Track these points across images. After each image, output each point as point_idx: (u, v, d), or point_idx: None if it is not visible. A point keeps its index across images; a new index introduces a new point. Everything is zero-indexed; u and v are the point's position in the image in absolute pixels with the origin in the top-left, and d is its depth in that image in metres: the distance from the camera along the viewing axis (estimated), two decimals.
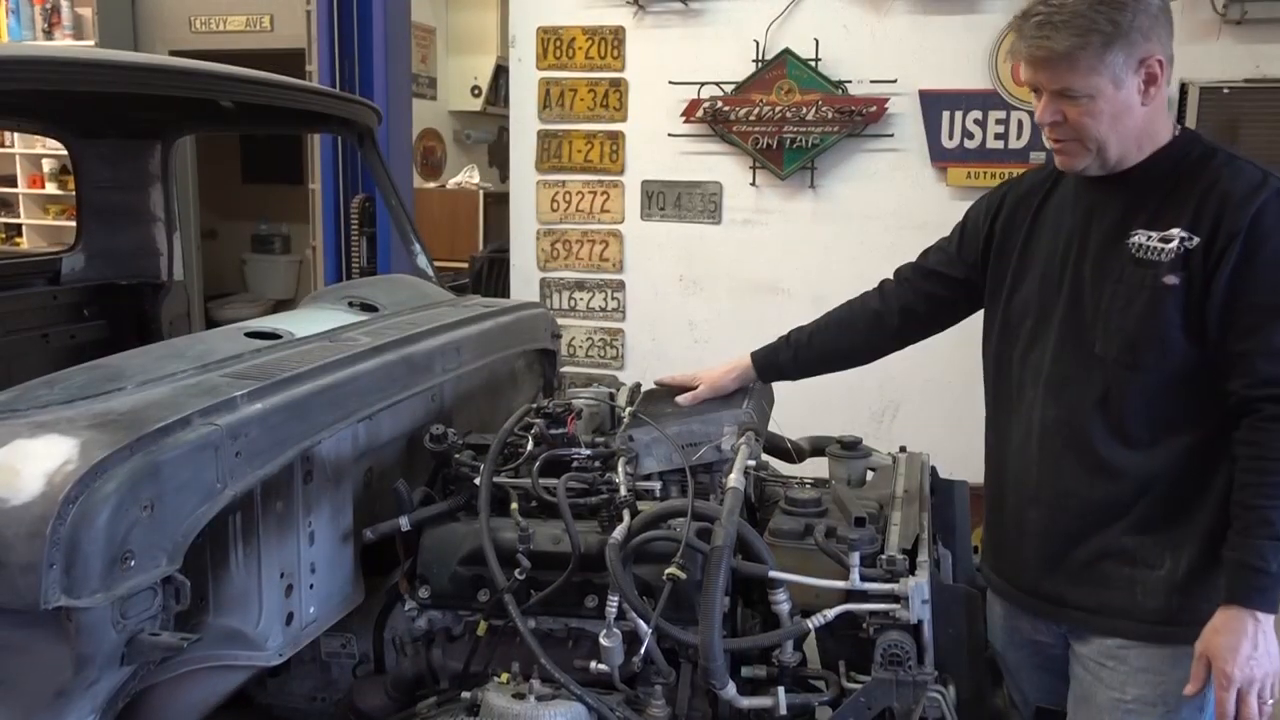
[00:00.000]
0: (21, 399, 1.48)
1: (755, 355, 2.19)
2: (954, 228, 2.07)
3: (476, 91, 7.21)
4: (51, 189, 7.17)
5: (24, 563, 1.26)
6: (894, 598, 1.71)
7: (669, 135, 4.24)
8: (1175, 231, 1.65)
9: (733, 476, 1.80)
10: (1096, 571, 1.76)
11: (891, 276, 2.16)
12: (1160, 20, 1.64)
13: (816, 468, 2.34)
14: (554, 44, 4.34)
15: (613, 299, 4.45)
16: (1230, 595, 1.61)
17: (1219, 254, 1.61)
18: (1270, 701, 1.62)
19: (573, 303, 4.49)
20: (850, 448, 2.23)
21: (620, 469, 1.97)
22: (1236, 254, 1.60)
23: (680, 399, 2.14)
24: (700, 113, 4.14)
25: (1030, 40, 1.64)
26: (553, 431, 2.10)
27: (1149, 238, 1.67)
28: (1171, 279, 1.64)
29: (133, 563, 1.35)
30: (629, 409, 2.22)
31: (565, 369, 4.27)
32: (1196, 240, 1.63)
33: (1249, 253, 1.60)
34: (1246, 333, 1.61)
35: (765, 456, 2.29)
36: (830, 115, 4.00)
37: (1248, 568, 1.59)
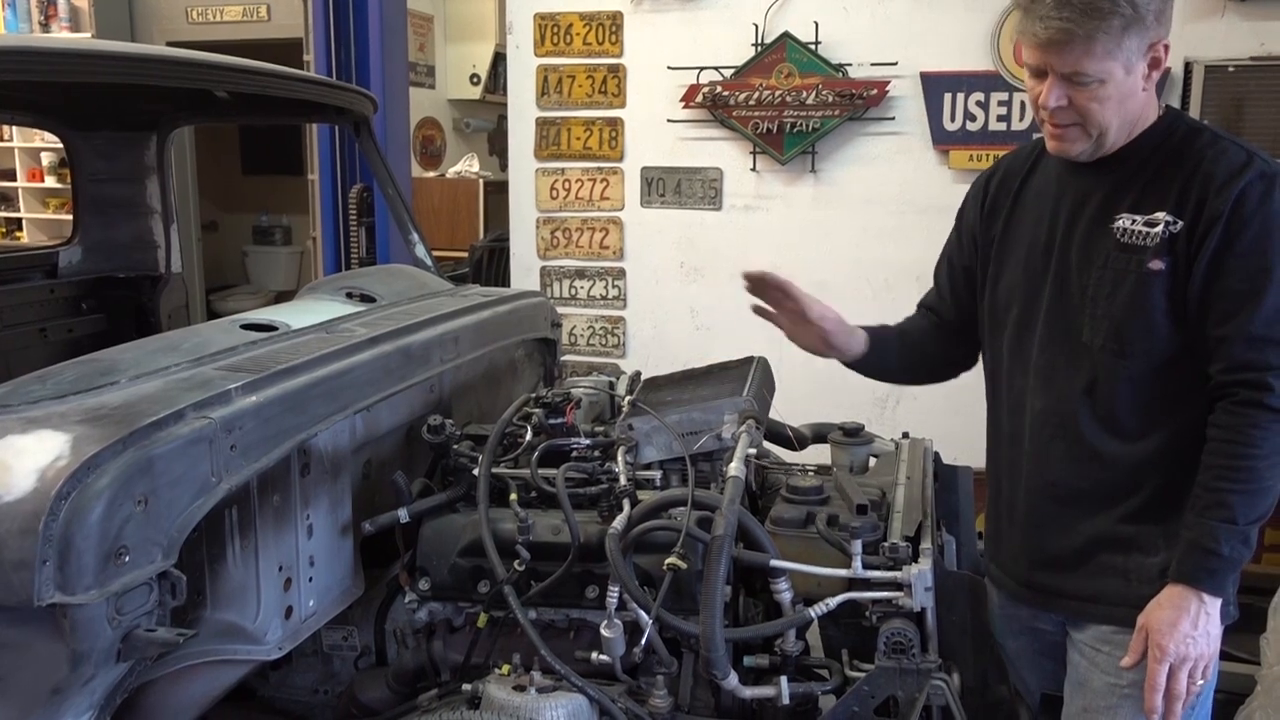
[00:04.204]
0: (13, 394, 1.47)
1: (871, 337, 1.98)
2: (949, 238, 2.02)
3: (475, 79, 7.17)
4: (51, 183, 7.16)
5: (17, 560, 1.25)
6: (897, 585, 1.70)
7: (668, 121, 4.21)
8: (1160, 215, 1.63)
9: (733, 465, 1.78)
10: (1091, 560, 1.75)
11: (925, 310, 2.06)
12: (1169, 2, 1.60)
13: (819, 455, 2.32)
14: (551, 30, 4.31)
15: (613, 287, 4.43)
16: (1179, 573, 1.62)
17: (1201, 237, 1.59)
18: (1200, 682, 1.63)
19: (573, 291, 4.47)
20: (852, 434, 2.21)
21: (620, 458, 1.96)
22: (1217, 237, 1.58)
23: (813, 315, 1.94)
24: (699, 98, 4.11)
25: (1046, 20, 1.56)
26: (551, 421, 2.09)
27: (1134, 221, 1.65)
28: (1157, 264, 1.62)
29: (127, 558, 1.34)
30: (629, 398, 2.21)
31: (566, 358, 4.26)
32: (1180, 224, 1.61)
33: (1229, 237, 1.58)
34: (1224, 317, 1.59)
35: (767, 444, 2.28)
36: (831, 99, 3.96)
37: (1200, 548, 1.59)
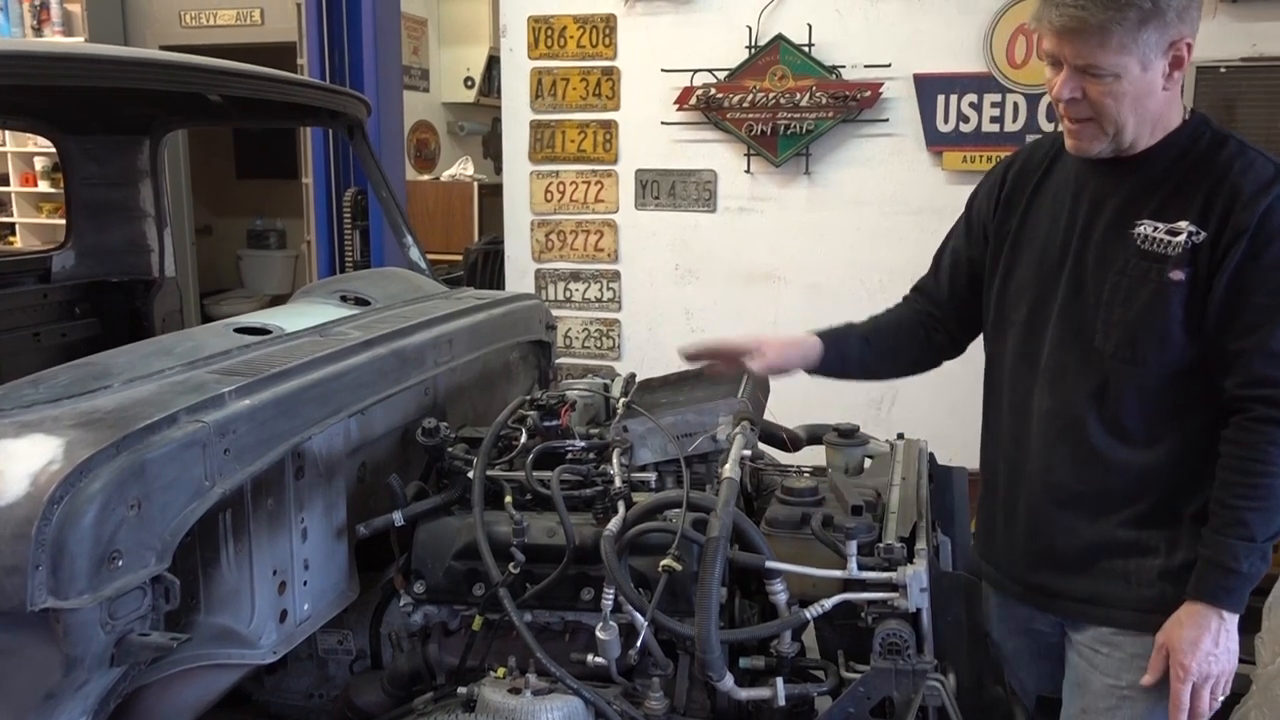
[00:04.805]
0: (6, 398, 1.46)
1: (824, 339, 1.96)
2: (956, 224, 1.99)
3: (469, 83, 7.17)
4: (44, 187, 7.13)
5: (9, 564, 1.24)
6: (892, 586, 1.70)
7: (662, 123, 4.22)
8: (1183, 225, 1.60)
9: (728, 467, 1.78)
10: (1091, 564, 1.75)
11: (914, 295, 2.05)
12: (1195, 1, 1.58)
13: (814, 456, 2.32)
14: (545, 33, 4.31)
15: (608, 289, 4.43)
16: (1197, 591, 1.61)
17: (1224, 250, 1.58)
18: (1221, 698, 1.64)
19: (568, 294, 4.47)
20: (847, 435, 2.21)
21: (615, 460, 1.95)
22: (1241, 251, 1.56)
23: (754, 365, 1.92)
24: (693, 100, 4.12)
25: (1061, 7, 1.55)
26: (546, 424, 2.09)
27: (1155, 229, 1.63)
28: (1178, 274, 1.60)
29: (120, 562, 1.33)
30: (623, 400, 2.20)
31: (561, 360, 4.26)
32: (1204, 235, 1.59)
33: (1254, 251, 1.56)
34: (1245, 332, 1.58)
35: (762, 446, 2.28)
36: (824, 101, 3.97)
37: (1219, 566, 1.59)
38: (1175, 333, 1.63)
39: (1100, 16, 1.52)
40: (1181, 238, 1.60)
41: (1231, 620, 1.61)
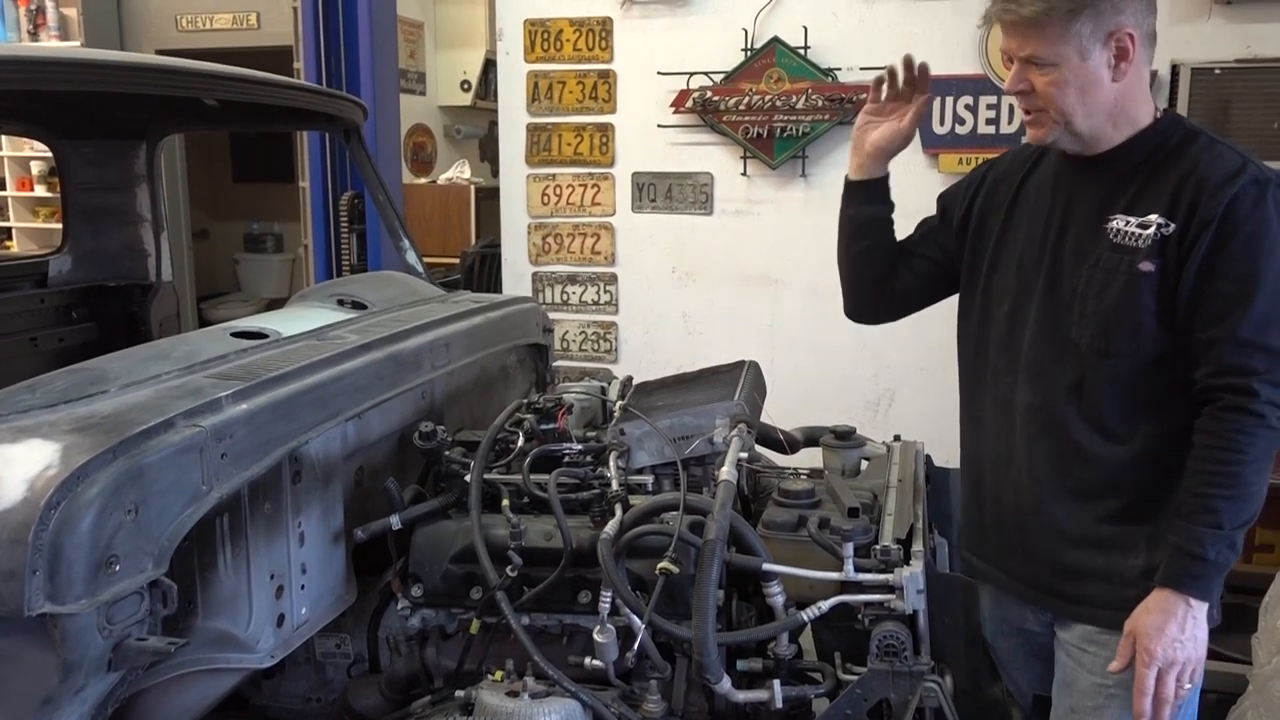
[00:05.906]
0: (3, 404, 1.46)
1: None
2: (936, 209, 2.07)
3: (466, 86, 7.18)
4: (41, 191, 7.14)
5: (6, 570, 1.24)
6: (889, 588, 1.70)
7: (659, 126, 4.22)
8: (1153, 218, 1.64)
9: (725, 469, 1.78)
10: (1074, 560, 1.77)
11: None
12: None
13: (811, 458, 2.33)
14: (541, 36, 4.32)
15: (605, 292, 4.43)
16: (1165, 578, 1.63)
17: (1192, 241, 1.61)
18: (1188, 686, 1.64)
19: (565, 297, 4.47)
20: (844, 438, 2.21)
21: (612, 463, 1.96)
22: (1209, 241, 1.59)
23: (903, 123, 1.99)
24: (690, 103, 4.12)
25: (999, 4, 1.65)
26: (543, 427, 2.09)
27: (1127, 223, 1.67)
28: (1147, 265, 1.64)
29: (118, 567, 1.33)
30: (620, 403, 2.21)
31: (558, 363, 4.26)
32: (1172, 227, 1.62)
33: (1221, 240, 1.59)
34: (1213, 321, 1.60)
35: (758, 448, 2.28)
36: (820, 103, 3.98)
37: (1186, 553, 1.60)
38: (1147, 323, 1.65)
39: (1032, 9, 1.61)
40: (1151, 230, 1.64)
41: (1200, 608, 1.62)
